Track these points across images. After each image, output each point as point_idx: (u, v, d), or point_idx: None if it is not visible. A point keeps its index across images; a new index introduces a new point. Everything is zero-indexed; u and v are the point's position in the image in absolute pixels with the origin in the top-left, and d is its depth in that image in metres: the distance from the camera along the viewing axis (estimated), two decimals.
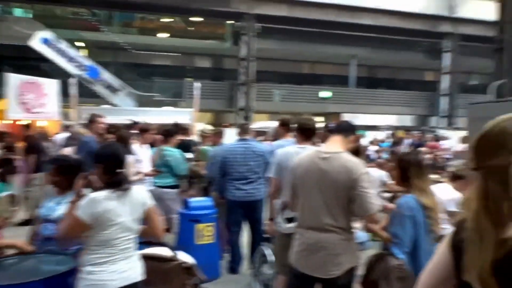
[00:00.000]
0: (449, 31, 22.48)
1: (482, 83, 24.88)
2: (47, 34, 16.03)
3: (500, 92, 5.58)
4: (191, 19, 22.33)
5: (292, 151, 3.43)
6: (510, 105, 4.96)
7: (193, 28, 23.48)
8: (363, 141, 15.29)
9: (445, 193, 4.81)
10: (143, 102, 17.84)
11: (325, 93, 22.97)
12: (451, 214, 4.79)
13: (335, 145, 2.69)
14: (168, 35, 22.86)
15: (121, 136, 5.08)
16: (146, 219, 2.43)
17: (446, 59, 22.97)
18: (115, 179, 2.29)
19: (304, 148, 3.38)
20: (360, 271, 2.59)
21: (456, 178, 5.05)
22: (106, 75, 18.12)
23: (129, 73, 23.08)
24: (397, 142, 15.34)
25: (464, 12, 22.18)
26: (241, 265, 4.90)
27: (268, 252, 3.93)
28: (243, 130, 5.03)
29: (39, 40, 15.57)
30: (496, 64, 5.74)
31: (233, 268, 4.85)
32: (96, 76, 17.61)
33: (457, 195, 4.88)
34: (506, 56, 5.37)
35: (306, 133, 3.50)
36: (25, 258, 2.60)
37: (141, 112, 14.08)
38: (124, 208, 2.28)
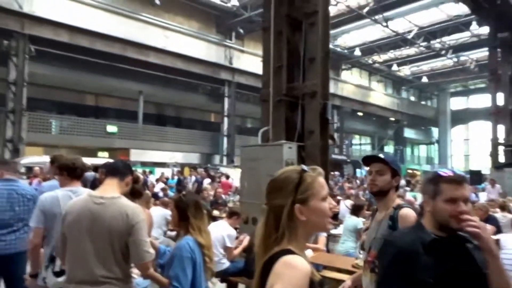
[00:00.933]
0: (228, 79, 25.22)
1: (256, 127, 28.69)
2: None
3: (264, 137, 6.47)
4: None
5: (61, 195, 3.07)
6: (271, 149, 5.81)
7: None
8: (151, 178, 15.30)
9: (222, 229, 5.19)
10: None
11: (111, 128, 22.03)
12: (227, 249, 5.18)
13: (110, 189, 2.55)
14: None
15: None
16: None
17: (226, 103, 25.56)
18: None
19: (74, 192, 3.07)
20: None
21: (231, 214, 5.53)
22: None
23: None
24: (182, 179, 15.91)
25: (240, 64, 25.45)
26: None
27: None
28: (7, 168, 4.25)
29: None
30: (262, 112, 6.65)
31: None
32: None
33: (232, 231, 5.33)
34: (269, 107, 6.30)
35: (73, 174, 3.20)
36: None
37: None
38: None
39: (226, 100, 25.58)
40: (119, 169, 2.63)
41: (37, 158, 13.92)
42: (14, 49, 16.96)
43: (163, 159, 22.80)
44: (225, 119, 25.65)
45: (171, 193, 11.63)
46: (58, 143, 20.06)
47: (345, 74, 33.70)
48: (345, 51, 29.59)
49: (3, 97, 17.38)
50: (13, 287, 4.00)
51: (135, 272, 2.66)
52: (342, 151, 31.94)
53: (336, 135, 25.12)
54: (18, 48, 16.92)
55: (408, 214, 2.21)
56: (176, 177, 16.92)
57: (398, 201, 2.35)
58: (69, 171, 3.26)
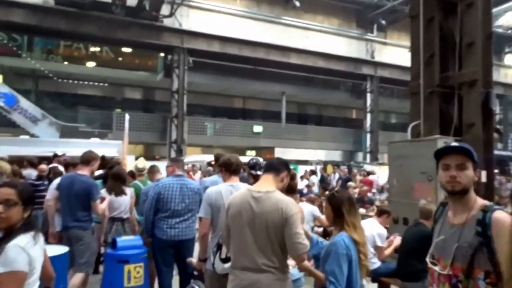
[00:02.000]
0: (370, 73, 24.35)
1: (401, 122, 27.07)
2: None
3: (415, 132, 6.06)
4: (121, 49, 21.89)
5: (223, 190, 3.38)
6: (423, 144, 5.41)
7: (122, 59, 22.95)
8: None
9: (372, 228, 5.04)
10: (67, 133, 16.81)
11: (257, 128, 23.46)
12: (377, 248, 5.02)
13: (266, 184, 2.69)
14: (95, 64, 22.08)
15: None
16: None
17: (369, 99, 24.71)
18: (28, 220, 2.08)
19: (234, 186, 3.36)
20: None
21: (381, 213, 5.33)
22: (25, 103, 16.91)
23: (52, 102, 21.79)
24: (326, 177, 15.95)
25: (382, 57, 24.31)
26: None
27: None
28: (178, 166, 4.85)
29: None
30: (411, 105, 6.25)
31: None
32: (12, 104, 16.38)
33: (382, 229, 5.14)
34: (419, 100, 5.88)
35: (230, 170, 3.48)
36: None
37: (63, 143, 13.27)
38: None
39: (368, 96, 24.72)
40: (274, 165, 2.79)
41: (196, 156, 15.69)
42: (176, 62, 19.42)
43: (306, 156, 23.23)
44: (368, 115, 24.80)
45: (315, 190, 11.80)
46: (212, 144, 22.22)
47: (509, 58, 29.31)
48: (509, 31, 25.72)
49: (168, 105, 20.05)
50: (183, 269, 4.57)
51: (290, 263, 2.79)
52: (507, 146, 27.79)
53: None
54: (179, 61, 19.32)
55: (504, 219, 1.77)
56: (319, 175, 17.04)
57: (480, 200, 1.92)
58: (226, 167, 3.60)
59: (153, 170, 6.05)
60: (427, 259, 1.99)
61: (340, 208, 2.68)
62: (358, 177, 15.17)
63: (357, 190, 10.86)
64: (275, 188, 2.67)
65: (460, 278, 1.84)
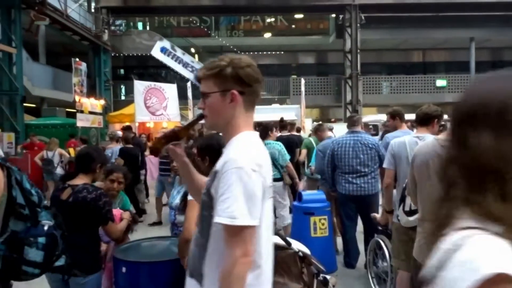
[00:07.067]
0: None
1: None
2: (165, 43, 17.62)
3: None
4: (293, 16, 22.54)
5: (408, 141, 3.29)
6: None
7: (295, 26, 23.71)
8: None
9: None
10: None
11: (440, 82, 21.30)
12: None
13: None
14: (271, 34, 23.46)
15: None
16: None
17: None
18: None
19: (421, 138, 3.21)
20: None
21: None
22: None
23: None
24: None
25: None
26: (357, 259, 4.82)
27: (383, 244, 3.80)
28: (352, 122, 4.89)
29: (159, 50, 17.20)
30: None
31: (349, 262, 4.79)
32: None
33: None
34: None
35: (425, 122, 3.31)
36: (159, 240, 2.96)
37: None
38: None
39: None
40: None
41: (373, 116, 15.31)
42: (348, 21, 18.94)
43: None
44: None
45: None
46: (389, 103, 21.19)
47: None
48: None
49: (341, 66, 19.90)
50: (367, 223, 4.64)
51: None
52: None
53: None
54: (351, 19, 18.79)
55: None
56: None
57: None
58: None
59: (320, 129, 6.17)
60: None
61: None
62: None
63: None
64: None
65: None
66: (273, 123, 6.35)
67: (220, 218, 1.28)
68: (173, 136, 1.65)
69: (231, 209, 1.27)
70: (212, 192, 1.38)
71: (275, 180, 5.37)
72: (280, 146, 5.42)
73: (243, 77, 1.43)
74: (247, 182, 1.30)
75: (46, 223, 1.93)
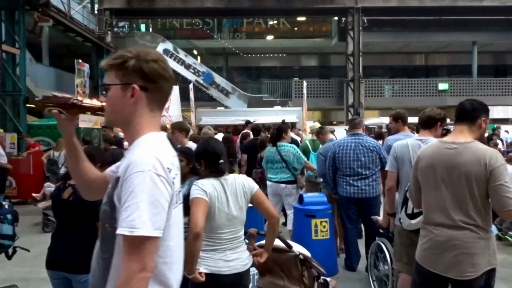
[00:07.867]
0: None
1: None
2: (168, 45, 17.67)
3: None
4: (296, 19, 22.59)
5: (411, 143, 3.29)
6: None
7: (298, 29, 23.78)
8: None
9: None
10: (253, 103, 18.57)
11: (442, 85, 21.32)
12: None
13: (461, 135, 2.43)
14: (273, 36, 23.55)
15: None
16: (256, 204, 2.51)
17: None
18: (216, 169, 2.44)
19: (424, 141, 3.20)
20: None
21: None
22: (219, 79, 19.30)
23: (239, 76, 24.26)
24: None
25: None
26: (358, 262, 4.81)
27: (384, 247, 3.79)
28: (354, 125, 4.88)
29: (161, 51, 17.23)
30: None
31: (350, 265, 4.78)
32: (209, 80, 18.88)
33: None
34: None
35: (429, 125, 3.30)
36: None
37: (252, 112, 14.70)
38: (228, 197, 2.41)
39: None
40: (467, 113, 2.44)
41: (374, 119, 15.31)
42: (350, 24, 18.95)
43: (505, 114, 20.02)
44: None
45: None
46: (391, 105, 21.19)
47: None
48: None
49: (343, 69, 19.92)
50: (368, 226, 4.61)
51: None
52: None
53: None
54: (353, 22, 18.80)
55: None
56: None
57: None
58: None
59: (323, 132, 6.12)
60: None
61: None
62: None
63: None
64: (472, 139, 2.41)
65: None
66: (285, 125, 6.19)
67: (120, 229, 1.13)
68: (66, 104, 1.37)
69: (131, 218, 1.12)
70: (115, 200, 1.22)
71: (288, 182, 5.36)
72: (294, 149, 5.39)
73: (146, 72, 1.29)
74: (150, 188, 1.15)
75: (5, 203, 2.61)
